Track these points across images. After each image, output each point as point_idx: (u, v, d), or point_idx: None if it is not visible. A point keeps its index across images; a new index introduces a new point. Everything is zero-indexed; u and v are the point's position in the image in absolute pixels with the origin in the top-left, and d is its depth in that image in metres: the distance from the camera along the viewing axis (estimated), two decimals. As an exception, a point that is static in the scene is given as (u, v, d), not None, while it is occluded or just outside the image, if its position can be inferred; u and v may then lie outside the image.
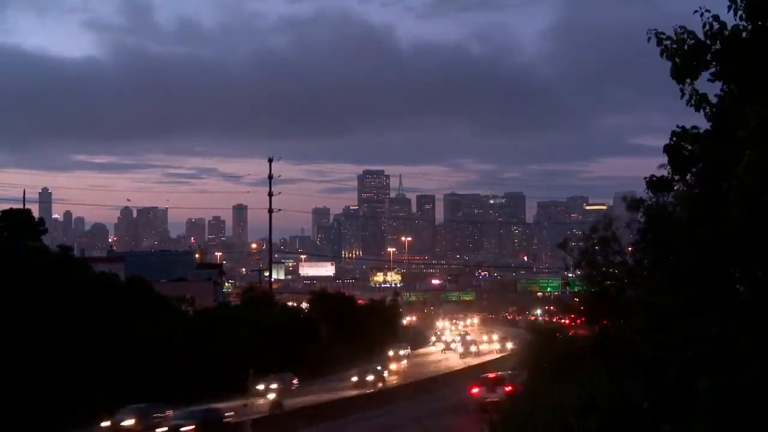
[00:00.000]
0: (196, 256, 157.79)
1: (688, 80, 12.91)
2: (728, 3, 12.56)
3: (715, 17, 12.61)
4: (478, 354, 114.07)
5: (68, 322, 62.66)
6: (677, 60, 12.84)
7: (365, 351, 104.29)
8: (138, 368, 65.27)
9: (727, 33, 12.62)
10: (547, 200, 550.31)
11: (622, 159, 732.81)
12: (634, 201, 16.82)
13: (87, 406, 57.37)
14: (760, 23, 12.39)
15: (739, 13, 12.48)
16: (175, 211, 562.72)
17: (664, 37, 12.96)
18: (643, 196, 16.18)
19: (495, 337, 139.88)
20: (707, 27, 12.66)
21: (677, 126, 14.19)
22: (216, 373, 71.79)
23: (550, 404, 21.87)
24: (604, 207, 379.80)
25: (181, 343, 72.88)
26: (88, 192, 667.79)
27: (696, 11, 12.67)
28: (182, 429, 50.76)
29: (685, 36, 12.79)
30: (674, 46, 12.87)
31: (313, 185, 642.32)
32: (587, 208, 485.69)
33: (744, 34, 12.60)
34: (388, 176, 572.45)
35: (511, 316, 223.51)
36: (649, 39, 12.98)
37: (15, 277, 61.52)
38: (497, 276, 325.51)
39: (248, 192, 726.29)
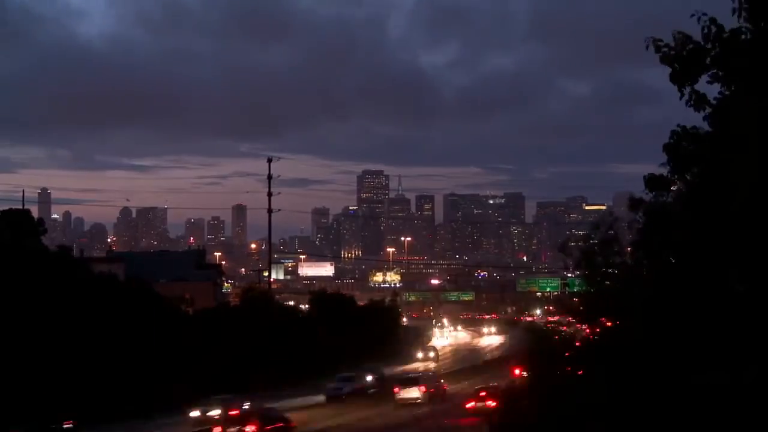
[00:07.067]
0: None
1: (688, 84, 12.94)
2: (733, 6, 12.54)
3: (713, 20, 12.62)
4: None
5: (66, 322, 62.64)
6: (676, 65, 12.85)
7: (364, 352, 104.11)
8: (135, 368, 65.30)
9: (725, 35, 12.62)
10: (546, 200, 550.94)
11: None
12: (635, 201, 16.82)
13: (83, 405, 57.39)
14: (763, 24, 12.38)
15: (744, 15, 12.47)
16: (174, 211, 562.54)
17: (662, 44, 12.96)
18: (643, 195, 16.24)
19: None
20: (705, 30, 12.67)
21: (677, 125, 14.19)
22: (215, 373, 71.81)
23: (550, 405, 21.96)
24: (604, 207, 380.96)
25: (180, 343, 72.90)
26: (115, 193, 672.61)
27: (692, 15, 12.68)
28: None
29: (684, 40, 12.80)
30: (672, 52, 12.88)
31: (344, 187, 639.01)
32: (586, 208, 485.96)
33: (744, 36, 12.60)
34: (387, 176, 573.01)
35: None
36: (647, 47, 12.98)
37: (14, 278, 61.51)
38: (496, 276, 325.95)
39: (248, 192, 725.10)
